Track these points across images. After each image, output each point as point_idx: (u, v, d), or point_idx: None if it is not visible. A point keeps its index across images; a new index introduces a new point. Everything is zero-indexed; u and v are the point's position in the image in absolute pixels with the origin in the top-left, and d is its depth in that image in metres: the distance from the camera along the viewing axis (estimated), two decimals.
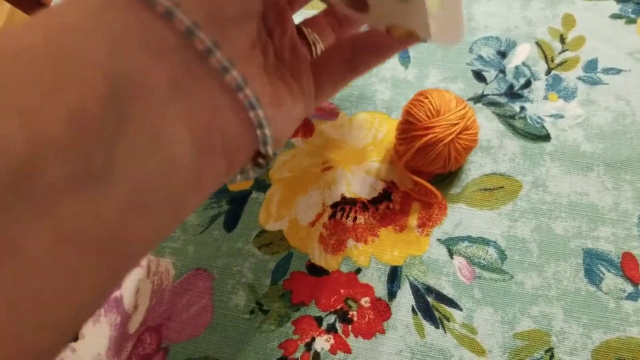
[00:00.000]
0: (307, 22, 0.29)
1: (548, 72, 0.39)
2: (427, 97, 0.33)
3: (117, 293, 0.35)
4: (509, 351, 0.31)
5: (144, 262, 0.36)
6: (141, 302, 0.35)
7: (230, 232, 0.36)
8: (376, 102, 0.39)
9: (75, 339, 0.35)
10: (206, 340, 0.33)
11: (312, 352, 0.32)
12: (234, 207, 0.37)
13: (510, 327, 0.32)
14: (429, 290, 0.33)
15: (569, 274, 0.33)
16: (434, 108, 0.32)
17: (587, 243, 0.34)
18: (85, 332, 0.35)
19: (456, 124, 0.32)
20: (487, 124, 0.38)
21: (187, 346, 0.33)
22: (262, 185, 0.37)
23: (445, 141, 0.31)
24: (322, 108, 0.39)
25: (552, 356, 0.31)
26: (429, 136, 0.31)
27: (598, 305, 0.32)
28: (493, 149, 0.37)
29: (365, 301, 0.33)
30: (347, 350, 0.32)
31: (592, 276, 0.33)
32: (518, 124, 0.38)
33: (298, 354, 0.32)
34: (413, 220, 0.35)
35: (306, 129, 0.39)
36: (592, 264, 0.33)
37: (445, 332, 0.32)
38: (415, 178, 0.34)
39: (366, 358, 0.32)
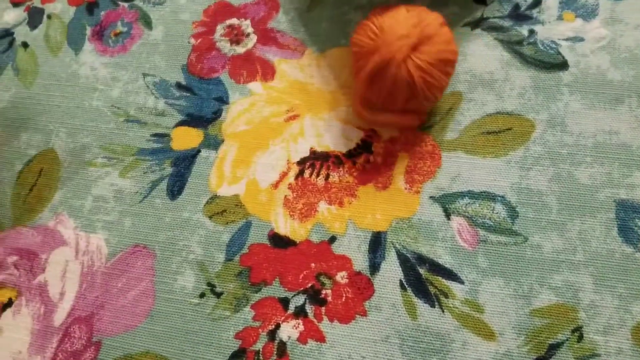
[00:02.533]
0: None
1: None
2: (369, 18, 0.26)
3: (40, 277, 0.29)
4: (526, 332, 0.25)
5: (71, 239, 0.29)
6: (69, 288, 0.28)
7: (175, 200, 0.29)
8: (350, 35, 0.32)
9: None
10: (146, 332, 0.27)
11: (276, 342, 0.26)
12: (179, 169, 0.30)
13: (526, 302, 0.25)
14: (421, 259, 0.26)
15: (599, 232, 0.26)
16: (376, 26, 0.25)
17: (619, 193, 0.27)
18: (3, 325, 0.28)
19: (407, 35, 0.24)
20: (488, 53, 0.30)
21: (124, 340, 0.27)
22: (212, 141, 0.30)
23: (396, 58, 0.24)
24: (285, 44, 0.32)
25: (580, 337, 0.24)
26: (374, 58, 0.24)
27: (638, 271, 0.25)
28: (497, 82, 0.30)
29: (341, 276, 0.27)
30: (321, 338, 0.26)
31: (629, 234, 0.26)
32: (527, 50, 0.30)
33: (259, 345, 0.26)
34: (399, 175, 0.28)
35: (265, 70, 0.32)
36: (628, 218, 0.26)
37: (443, 311, 0.25)
38: (370, 116, 0.26)
39: (344, 348, 0.25)
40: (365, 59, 0.25)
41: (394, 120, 0.27)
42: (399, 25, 0.24)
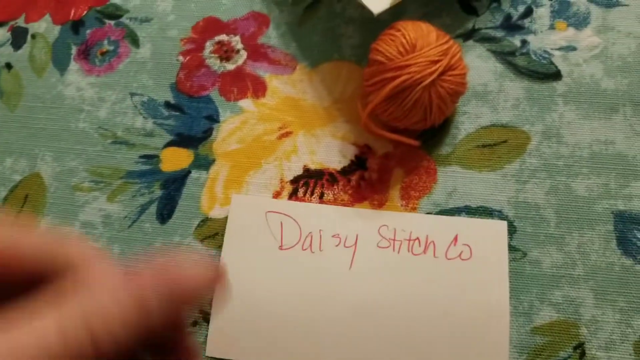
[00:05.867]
0: None
1: None
2: (399, 30, 0.25)
3: None
4: (527, 351, 0.24)
5: None
6: None
7: (165, 224, 0.28)
8: (343, 49, 0.32)
9: None
10: None
11: None
12: (169, 191, 0.29)
13: (527, 319, 0.25)
14: None
15: (598, 245, 0.26)
16: (408, 42, 0.25)
17: (617, 204, 0.26)
18: None
19: (438, 61, 0.24)
20: (481, 65, 0.30)
21: None
22: (203, 161, 0.30)
23: (424, 83, 0.24)
24: (276, 59, 0.32)
25: (583, 353, 0.24)
26: (402, 77, 0.24)
27: (638, 283, 0.25)
28: (491, 94, 0.29)
29: None
30: None
31: (628, 246, 0.26)
32: (520, 61, 0.30)
33: None
34: (395, 192, 0.28)
35: (256, 87, 0.31)
36: (626, 229, 0.26)
37: None
38: (380, 131, 0.26)
39: None
40: (391, 73, 0.24)
41: (399, 138, 0.27)
42: (430, 48, 0.24)
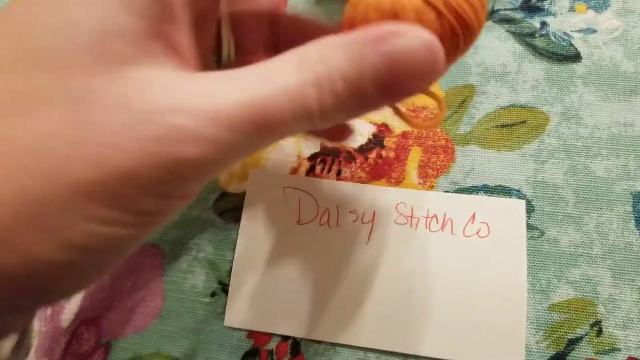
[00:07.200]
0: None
1: None
2: None
3: None
4: (545, 327, 0.24)
5: None
6: None
7: None
8: None
9: None
10: (156, 333, 0.26)
11: (290, 342, 0.25)
12: None
13: (545, 297, 0.25)
14: None
15: (616, 225, 0.26)
16: None
17: (636, 185, 0.26)
18: None
19: None
20: (500, 45, 0.30)
21: (134, 341, 0.26)
22: None
23: None
24: None
25: (600, 331, 0.24)
26: None
27: None
28: (510, 75, 0.29)
29: None
30: None
31: None
32: (539, 43, 0.30)
33: (272, 344, 0.25)
34: (412, 170, 0.28)
35: None
36: None
37: None
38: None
39: None
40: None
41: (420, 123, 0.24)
42: None
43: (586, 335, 0.24)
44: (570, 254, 0.25)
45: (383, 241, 0.26)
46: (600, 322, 0.24)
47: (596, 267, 0.25)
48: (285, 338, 0.25)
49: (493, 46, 0.30)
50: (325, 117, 0.14)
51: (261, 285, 0.26)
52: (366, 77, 0.13)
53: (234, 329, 0.26)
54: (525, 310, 0.24)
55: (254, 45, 0.21)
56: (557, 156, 0.27)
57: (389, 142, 0.29)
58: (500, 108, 0.29)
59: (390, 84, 0.13)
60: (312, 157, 0.29)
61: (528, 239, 0.26)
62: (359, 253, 0.26)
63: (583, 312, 0.24)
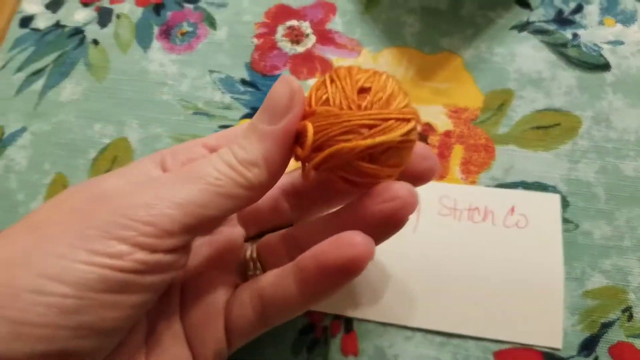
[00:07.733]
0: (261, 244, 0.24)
1: None
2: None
3: None
4: (579, 312, 0.26)
5: None
6: None
7: None
8: (404, 36, 0.34)
9: None
10: None
11: (342, 320, 0.28)
12: None
13: (579, 284, 0.27)
14: None
15: None
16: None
17: None
18: None
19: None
20: (535, 54, 0.32)
21: None
22: None
23: None
24: (342, 44, 0.34)
25: (630, 316, 0.26)
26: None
27: None
28: (544, 81, 0.32)
29: None
30: None
31: None
32: (571, 52, 0.32)
33: (327, 321, 0.28)
34: (455, 166, 0.30)
35: (324, 68, 0.34)
36: None
37: None
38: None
39: None
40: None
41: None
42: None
43: (618, 319, 0.26)
44: (603, 246, 0.28)
45: (428, 230, 0.28)
46: (631, 308, 0.26)
47: (627, 258, 0.27)
48: (337, 317, 0.28)
49: (528, 55, 0.32)
50: None
51: None
52: None
53: None
54: (562, 295, 0.26)
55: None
56: (589, 156, 0.30)
57: (433, 140, 0.31)
58: (536, 111, 0.31)
59: None
60: None
61: (563, 231, 0.28)
62: (407, 241, 0.28)
63: (615, 298, 0.27)
